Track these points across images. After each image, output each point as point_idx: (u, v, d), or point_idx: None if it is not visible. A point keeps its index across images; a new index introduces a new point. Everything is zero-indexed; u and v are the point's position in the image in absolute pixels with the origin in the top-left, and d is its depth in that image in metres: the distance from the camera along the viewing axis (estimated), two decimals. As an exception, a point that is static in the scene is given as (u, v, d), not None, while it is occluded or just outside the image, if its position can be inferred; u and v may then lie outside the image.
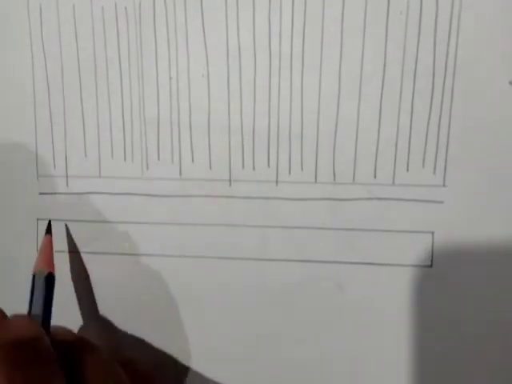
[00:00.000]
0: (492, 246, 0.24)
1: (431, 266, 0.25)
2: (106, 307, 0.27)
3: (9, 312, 0.24)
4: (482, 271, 0.24)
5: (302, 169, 0.25)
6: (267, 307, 0.26)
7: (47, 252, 0.25)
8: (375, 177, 0.25)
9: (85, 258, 0.27)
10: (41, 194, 0.27)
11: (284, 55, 0.25)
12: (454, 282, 0.24)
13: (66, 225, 0.27)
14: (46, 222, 0.27)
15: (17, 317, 0.23)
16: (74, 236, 0.27)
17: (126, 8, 0.26)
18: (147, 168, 0.26)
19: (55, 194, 0.27)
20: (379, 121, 0.25)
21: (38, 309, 0.23)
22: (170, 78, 0.26)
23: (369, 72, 0.24)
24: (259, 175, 0.26)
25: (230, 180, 0.26)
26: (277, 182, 0.26)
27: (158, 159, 0.26)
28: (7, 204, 0.28)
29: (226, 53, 0.25)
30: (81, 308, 0.28)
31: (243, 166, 0.26)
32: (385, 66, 0.24)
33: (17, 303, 0.27)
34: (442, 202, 0.24)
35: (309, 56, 0.25)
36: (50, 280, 0.24)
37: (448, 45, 0.24)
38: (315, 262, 0.25)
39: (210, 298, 0.26)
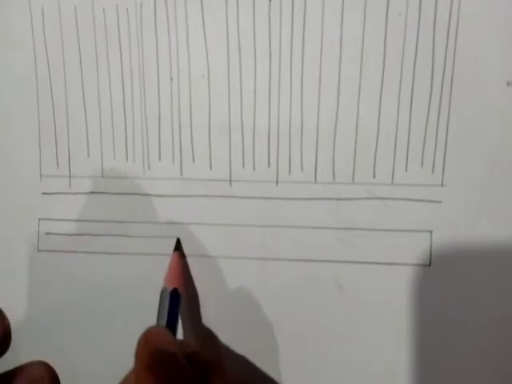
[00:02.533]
0: (490, 244, 0.24)
1: (430, 264, 0.25)
2: (104, 307, 0.27)
3: (8, 312, 0.24)
4: (480, 270, 0.24)
5: (301, 169, 0.25)
6: (267, 306, 0.26)
7: (174, 268, 0.26)
8: (374, 176, 0.25)
9: (85, 258, 0.27)
10: (44, 193, 0.28)
11: (284, 57, 0.25)
12: (453, 280, 0.25)
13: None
14: (48, 222, 0.27)
15: (155, 328, 0.23)
16: (75, 236, 0.27)
17: (127, 9, 0.26)
18: (149, 168, 0.27)
19: (58, 193, 0.27)
20: (378, 121, 0.25)
21: (163, 323, 0.24)
22: (171, 79, 0.26)
23: (368, 73, 0.24)
24: (259, 175, 0.26)
25: (230, 180, 0.26)
26: (277, 181, 0.26)
27: (159, 159, 0.27)
28: (10, 204, 0.28)
29: (227, 53, 0.25)
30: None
31: (243, 166, 0.26)
32: (384, 67, 0.24)
33: (17, 303, 0.27)
34: (440, 202, 0.25)
35: (308, 58, 0.25)
36: (174, 296, 0.24)
37: (446, 46, 0.24)
38: (315, 261, 0.26)
39: (210, 298, 0.27)
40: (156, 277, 0.27)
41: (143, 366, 0.19)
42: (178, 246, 0.26)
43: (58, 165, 0.27)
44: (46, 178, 0.28)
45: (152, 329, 0.22)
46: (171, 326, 0.24)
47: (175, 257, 0.26)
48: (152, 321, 0.27)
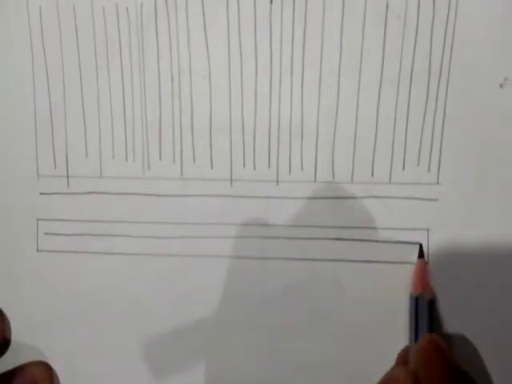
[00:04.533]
0: (486, 242, 0.25)
1: (427, 262, 0.25)
2: (104, 307, 0.27)
3: (8, 312, 0.24)
4: (477, 267, 0.25)
5: (301, 168, 0.26)
6: (268, 305, 0.26)
7: (423, 275, 0.25)
8: (372, 176, 0.25)
9: (85, 258, 0.27)
10: (41, 194, 0.27)
11: (284, 58, 0.25)
12: (450, 278, 0.25)
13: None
14: (47, 222, 0.27)
15: (434, 336, 0.23)
16: (75, 236, 0.27)
17: (127, 9, 0.26)
18: (148, 168, 0.27)
19: (56, 194, 0.27)
20: (376, 122, 0.25)
21: (424, 331, 0.24)
22: (172, 79, 0.26)
23: (367, 75, 0.25)
24: (260, 175, 0.26)
25: (231, 180, 0.26)
26: (277, 181, 0.26)
27: (160, 159, 0.27)
28: (7, 204, 0.28)
29: (228, 54, 0.25)
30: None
31: (244, 166, 0.26)
32: (382, 68, 0.25)
33: (17, 303, 0.27)
34: (436, 200, 0.25)
35: (308, 60, 0.25)
36: (431, 304, 0.24)
37: (443, 49, 0.24)
38: (315, 260, 0.26)
39: (210, 297, 0.27)
40: (157, 277, 0.27)
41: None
42: (422, 252, 0.25)
43: (55, 165, 0.27)
44: (43, 178, 0.27)
45: (434, 338, 0.22)
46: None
47: (423, 263, 0.25)
48: (152, 320, 0.27)
